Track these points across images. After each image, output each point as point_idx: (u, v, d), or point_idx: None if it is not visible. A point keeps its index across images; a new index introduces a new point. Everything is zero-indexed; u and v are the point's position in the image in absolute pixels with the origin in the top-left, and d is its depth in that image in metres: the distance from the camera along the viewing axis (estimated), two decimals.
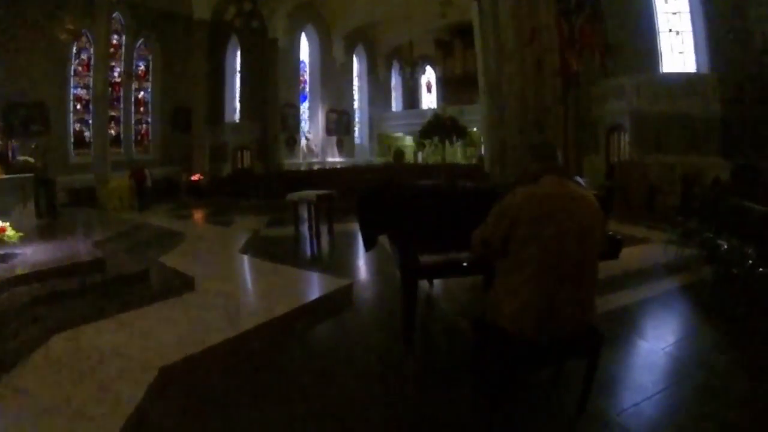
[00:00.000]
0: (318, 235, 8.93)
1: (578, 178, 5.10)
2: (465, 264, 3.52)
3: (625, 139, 12.52)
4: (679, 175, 10.24)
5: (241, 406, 3.16)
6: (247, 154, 19.96)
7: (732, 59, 12.34)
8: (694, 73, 13.28)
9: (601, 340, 2.69)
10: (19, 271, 4.45)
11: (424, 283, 5.30)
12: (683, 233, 6.64)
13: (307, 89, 23.17)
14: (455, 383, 3.40)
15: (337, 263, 7.26)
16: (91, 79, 14.89)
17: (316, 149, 22.84)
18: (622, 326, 4.34)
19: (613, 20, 12.92)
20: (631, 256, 6.06)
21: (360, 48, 25.76)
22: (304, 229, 9.45)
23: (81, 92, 15.66)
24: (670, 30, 13.94)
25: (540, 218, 2.46)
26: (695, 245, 6.23)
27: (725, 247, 4.93)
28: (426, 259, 3.54)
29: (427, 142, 23.56)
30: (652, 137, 11.76)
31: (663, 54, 13.92)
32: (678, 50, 13.93)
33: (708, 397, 3.13)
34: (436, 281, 5.52)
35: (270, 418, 3.01)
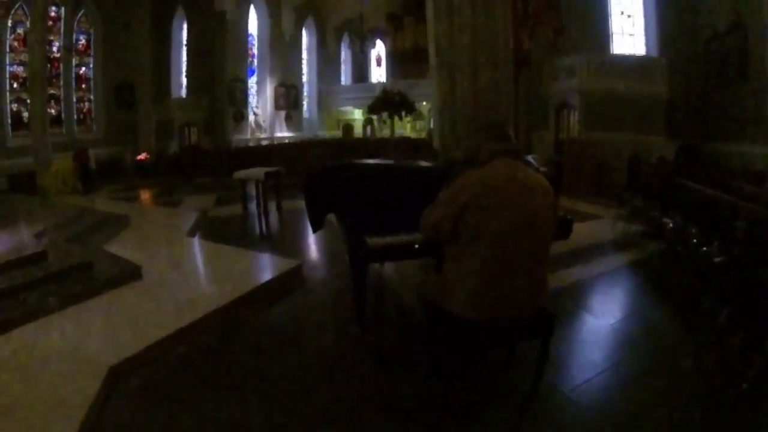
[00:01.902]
0: (266, 214, 8.81)
1: (530, 158, 5.14)
2: (416, 246, 3.50)
3: (574, 116, 12.76)
4: (626, 154, 10.53)
5: (195, 397, 3.09)
6: (194, 131, 19.34)
7: (680, 45, 12.76)
8: (644, 55, 13.67)
9: (553, 322, 2.73)
10: None
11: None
12: (630, 210, 6.84)
13: (256, 63, 22.56)
14: (408, 364, 3.42)
15: (287, 242, 7.21)
16: (28, 56, 13.83)
17: (265, 124, 22.33)
18: (572, 303, 4.47)
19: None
20: (580, 232, 6.18)
21: (310, 21, 25.14)
22: (253, 207, 9.31)
23: (17, 70, 14.62)
24: (622, 12, 14.27)
25: (492, 204, 2.43)
26: (642, 222, 6.43)
27: (670, 225, 5.08)
28: (376, 240, 3.50)
29: (375, 117, 23.37)
30: (600, 116, 12.03)
31: (614, 36, 14.22)
32: (629, 33, 14.26)
33: (656, 372, 3.26)
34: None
35: (224, 406, 2.97)
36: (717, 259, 3.99)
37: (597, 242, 6.46)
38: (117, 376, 3.22)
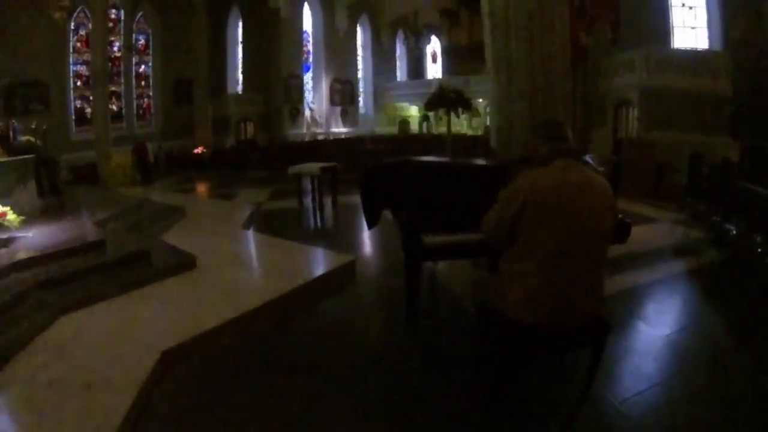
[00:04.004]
0: (321, 208, 8.93)
1: (588, 157, 4.99)
2: (471, 246, 3.45)
3: (633, 114, 12.32)
4: (687, 154, 10.07)
5: (243, 387, 3.17)
6: (250, 126, 19.78)
7: (745, 38, 12.07)
8: (707, 49, 13.03)
9: (607, 331, 2.65)
10: (21, 256, 4.42)
11: None
12: (691, 215, 6.55)
13: (311, 59, 22.90)
14: (457, 365, 3.40)
15: (341, 237, 7.25)
16: (91, 55, 14.58)
17: (320, 120, 22.68)
18: (626, 310, 4.32)
19: None
20: (637, 236, 5.93)
21: (364, 17, 25.33)
22: (308, 201, 9.43)
23: (81, 69, 15.50)
24: (683, 4, 13.64)
25: (550, 207, 2.38)
26: (703, 228, 6.13)
27: (734, 232, 4.83)
28: (431, 239, 3.47)
29: (431, 114, 23.30)
30: (660, 113, 11.55)
31: (675, 29, 13.64)
32: (690, 25, 13.65)
33: (710, 391, 3.09)
34: None
35: (272, 399, 3.02)
36: None
37: (654, 247, 6.19)
38: (169, 361, 3.33)
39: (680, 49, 13.09)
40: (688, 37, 13.67)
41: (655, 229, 7.25)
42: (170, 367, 3.32)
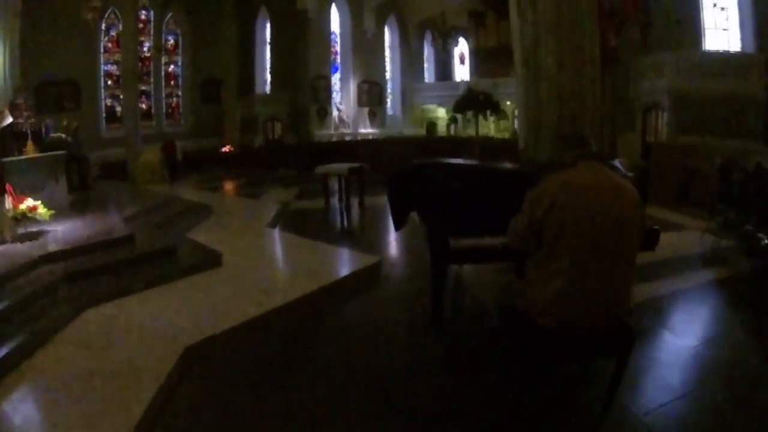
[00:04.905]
0: (348, 209, 8.98)
1: (616, 162, 4.89)
2: (497, 250, 3.43)
3: (663, 118, 12.06)
4: (719, 159, 9.83)
5: (264, 386, 3.20)
6: (278, 126, 19.91)
7: None
8: (739, 52, 12.65)
9: (633, 339, 2.61)
10: (50, 249, 4.54)
11: None
12: (722, 223, 6.38)
13: (339, 60, 22.97)
14: (481, 370, 3.38)
15: (367, 238, 7.27)
16: (121, 55, 14.85)
17: (348, 120, 22.70)
18: (653, 319, 4.23)
19: None
20: (665, 244, 5.81)
21: (391, 18, 25.26)
22: (335, 201, 9.47)
23: (111, 68, 15.86)
24: (714, 5, 13.29)
25: (575, 209, 2.35)
26: (734, 236, 5.98)
27: (765, 241, 4.70)
28: (458, 242, 3.47)
29: (459, 116, 23.19)
30: (691, 118, 11.27)
31: (706, 31, 13.30)
32: (722, 27, 13.30)
33: (737, 405, 3.00)
34: None
35: (294, 398, 3.05)
36: None
37: (682, 255, 6.05)
38: (192, 356, 3.38)
39: (711, 52, 12.75)
40: (720, 39, 13.30)
41: (685, 236, 7.08)
42: (193, 362, 3.37)
